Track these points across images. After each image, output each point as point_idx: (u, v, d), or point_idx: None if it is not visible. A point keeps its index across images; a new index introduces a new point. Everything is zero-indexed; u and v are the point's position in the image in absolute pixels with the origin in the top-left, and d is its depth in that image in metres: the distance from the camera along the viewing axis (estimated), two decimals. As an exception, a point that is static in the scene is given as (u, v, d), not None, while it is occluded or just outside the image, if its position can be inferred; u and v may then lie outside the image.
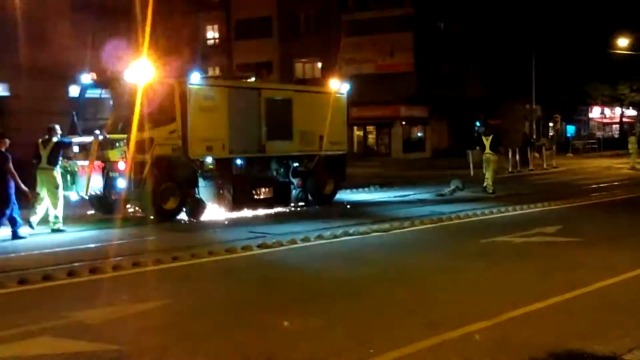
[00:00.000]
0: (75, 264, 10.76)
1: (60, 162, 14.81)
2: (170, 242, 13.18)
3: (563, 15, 55.10)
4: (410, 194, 22.90)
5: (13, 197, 13.52)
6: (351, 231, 13.96)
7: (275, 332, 7.34)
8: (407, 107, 48.71)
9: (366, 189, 24.01)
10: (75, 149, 15.73)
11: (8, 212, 13.46)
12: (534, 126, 54.75)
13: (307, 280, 10.08)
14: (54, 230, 14.34)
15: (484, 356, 6.48)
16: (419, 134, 51.65)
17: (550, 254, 11.62)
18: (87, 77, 16.86)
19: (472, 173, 30.29)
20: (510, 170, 32.61)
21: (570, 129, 61.56)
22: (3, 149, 13.67)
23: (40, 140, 14.76)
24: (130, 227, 15.29)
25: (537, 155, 38.53)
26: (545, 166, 35.62)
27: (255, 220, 16.34)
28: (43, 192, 14.42)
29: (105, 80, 16.90)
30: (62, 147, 14.77)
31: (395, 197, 22.14)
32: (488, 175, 22.42)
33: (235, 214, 17.06)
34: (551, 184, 26.49)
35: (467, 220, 16.07)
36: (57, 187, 14.47)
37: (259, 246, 12.38)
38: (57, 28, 27.29)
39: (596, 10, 57.76)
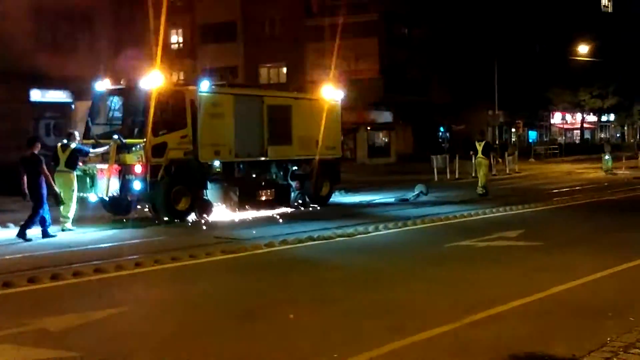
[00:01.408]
0: (37, 270, 10.65)
1: (77, 166, 15.51)
2: (138, 248, 13.06)
3: (524, 22, 55.89)
4: (375, 198, 22.99)
5: (45, 197, 14.20)
6: (315, 236, 13.98)
7: (239, 339, 7.32)
8: (372, 113, 48.95)
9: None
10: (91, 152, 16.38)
11: (41, 212, 14.06)
12: (497, 132, 55.42)
13: (272, 287, 10.07)
14: (64, 230, 14.94)
15: (446, 359, 6.54)
16: (384, 139, 51.91)
17: (511, 258, 11.75)
18: (101, 85, 17.60)
19: (436, 178, 30.56)
20: (473, 175, 32.91)
21: (532, 135, 62.44)
22: (36, 151, 14.42)
23: (59, 144, 15.64)
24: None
25: (499, 160, 39.01)
26: (507, 171, 36.06)
27: (228, 224, 16.33)
28: (64, 194, 15.02)
29: (119, 88, 17.58)
30: (80, 154, 15.51)
31: (359, 201, 22.23)
32: (481, 178, 23.55)
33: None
34: (513, 188, 26.82)
35: (430, 224, 16.20)
36: (72, 190, 15.18)
37: (223, 252, 12.35)
38: (19, 30, 26.92)
39: (556, 17, 58.69)
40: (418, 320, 7.76)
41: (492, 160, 24.39)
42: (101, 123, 17.73)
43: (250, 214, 17.76)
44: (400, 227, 15.52)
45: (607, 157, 35.73)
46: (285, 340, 7.26)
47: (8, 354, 6.74)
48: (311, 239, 13.71)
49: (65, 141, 15.57)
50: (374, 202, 22.17)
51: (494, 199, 21.79)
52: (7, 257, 12.23)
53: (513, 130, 61.42)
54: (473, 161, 26.37)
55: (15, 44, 26.36)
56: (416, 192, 22.73)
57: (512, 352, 6.59)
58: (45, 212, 14.20)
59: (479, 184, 23.53)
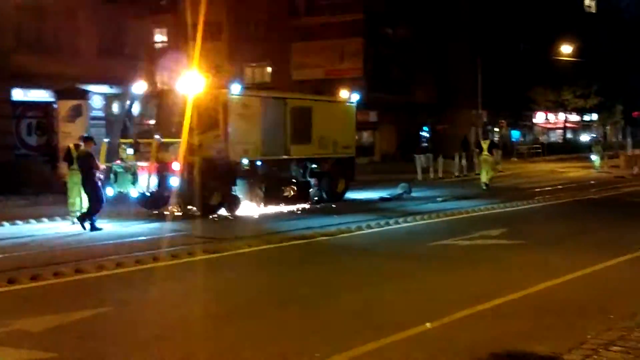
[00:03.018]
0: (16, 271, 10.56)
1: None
2: (120, 248, 13.00)
3: (507, 21, 56.06)
4: (359, 197, 23.01)
5: (102, 193, 15.42)
6: (298, 235, 13.97)
7: (218, 339, 7.29)
8: (357, 112, 48.87)
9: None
10: (130, 150, 17.73)
11: (102, 202, 15.26)
12: (480, 131, 55.53)
13: (253, 287, 10.05)
14: (74, 223, 15.81)
15: (428, 358, 6.54)
16: (369, 139, 51.88)
17: (494, 257, 11.79)
18: (138, 87, 18.81)
19: (420, 177, 30.63)
20: (457, 174, 33.06)
21: (515, 134, 62.62)
22: (89, 149, 15.56)
23: (72, 144, 16.61)
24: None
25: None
26: (491, 170, 36.11)
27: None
28: (74, 190, 16.06)
29: (156, 91, 18.92)
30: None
31: (343, 200, 22.21)
32: (483, 174, 25.53)
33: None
34: (496, 187, 26.84)
35: (414, 223, 16.22)
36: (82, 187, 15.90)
37: (205, 251, 12.30)
38: (0, 28, 26.71)
39: (539, 17, 58.93)
40: (400, 320, 7.76)
41: (495, 156, 25.79)
42: (138, 123, 18.90)
43: (269, 209, 18.84)
44: (382, 227, 15.52)
45: (593, 157, 36.31)
46: (266, 340, 7.22)
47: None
48: (293, 238, 13.70)
49: (81, 143, 16.10)
50: (357, 200, 22.18)
51: (477, 197, 21.88)
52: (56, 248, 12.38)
53: (496, 129, 61.54)
54: (475, 158, 28.03)
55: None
56: (400, 192, 22.83)
57: (493, 351, 6.60)
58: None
59: (484, 180, 25.40)
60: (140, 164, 17.31)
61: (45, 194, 22.56)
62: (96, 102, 27.36)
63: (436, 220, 16.76)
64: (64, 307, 8.53)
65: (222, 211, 17.91)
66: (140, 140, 17.75)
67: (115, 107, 28.72)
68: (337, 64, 48.39)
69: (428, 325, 7.43)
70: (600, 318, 7.65)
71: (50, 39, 28.41)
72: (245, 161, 18.68)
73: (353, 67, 47.91)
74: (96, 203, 15.24)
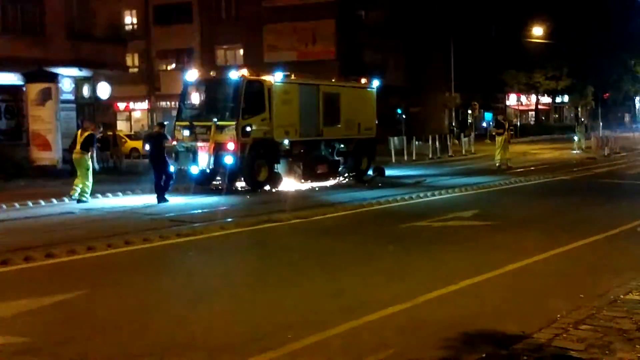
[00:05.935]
0: None
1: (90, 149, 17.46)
2: (95, 230, 12.89)
3: (479, 4, 56.16)
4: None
5: (169, 166, 17.40)
6: (272, 218, 13.96)
7: (191, 321, 7.27)
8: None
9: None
10: (185, 132, 19.61)
11: (171, 182, 17.27)
12: (453, 114, 55.80)
13: (226, 269, 10.03)
14: (79, 201, 17.01)
15: (399, 338, 6.59)
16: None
17: (465, 238, 11.88)
18: (191, 74, 20.85)
19: (393, 160, 30.72)
20: (430, 156, 33.21)
21: (488, 116, 62.93)
22: (162, 131, 17.82)
23: (79, 131, 18.20)
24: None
25: (456, 142, 39.42)
26: (464, 152, 36.40)
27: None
28: (79, 172, 17.25)
29: (210, 78, 21.02)
30: (92, 139, 17.63)
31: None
32: (499, 153, 27.10)
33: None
34: (469, 169, 27.07)
35: (387, 205, 16.28)
36: (87, 169, 17.26)
37: (178, 235, 12.26)
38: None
39: (511, 0, 59.09)
40: (372, 300, 7.79)
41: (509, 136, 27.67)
42: (192, 108, 20.76)
43: (305, 185, 20.77)
44: (357, 209, 15.57)
45: (575, 137, 36.78)
46: (238, 321, 7.22)
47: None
48: (268, 221, 13.70)
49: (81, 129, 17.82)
50: (330, 182, 22.25)
51: (449, 179, 21.99)
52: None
53: (469, 112, 61.88)
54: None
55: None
56: (373, 174, 22.98)
57: (464, 330, 6.66)
58: (170, 178, 17.19)
59: (497, 158, 27.06)
60: (199, 144, 19.23)
61: (16, 179, 22.29)
62: (66, 85, 26.95)
63: (409, 202, 16.83)
64: (37, 292, 8.43)
65: (267, 187, 19.73)
66: (196, 123, 19.49)
67: (85, 91, 28.32)
68: (310, 46, 48.20)
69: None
70: (570, 297, 7.75)
71: (18, 21, 27.92)
72: (286, 142, 20.48)
73: (326, 49, 47.76)
74: (168, 179, 17.11)
